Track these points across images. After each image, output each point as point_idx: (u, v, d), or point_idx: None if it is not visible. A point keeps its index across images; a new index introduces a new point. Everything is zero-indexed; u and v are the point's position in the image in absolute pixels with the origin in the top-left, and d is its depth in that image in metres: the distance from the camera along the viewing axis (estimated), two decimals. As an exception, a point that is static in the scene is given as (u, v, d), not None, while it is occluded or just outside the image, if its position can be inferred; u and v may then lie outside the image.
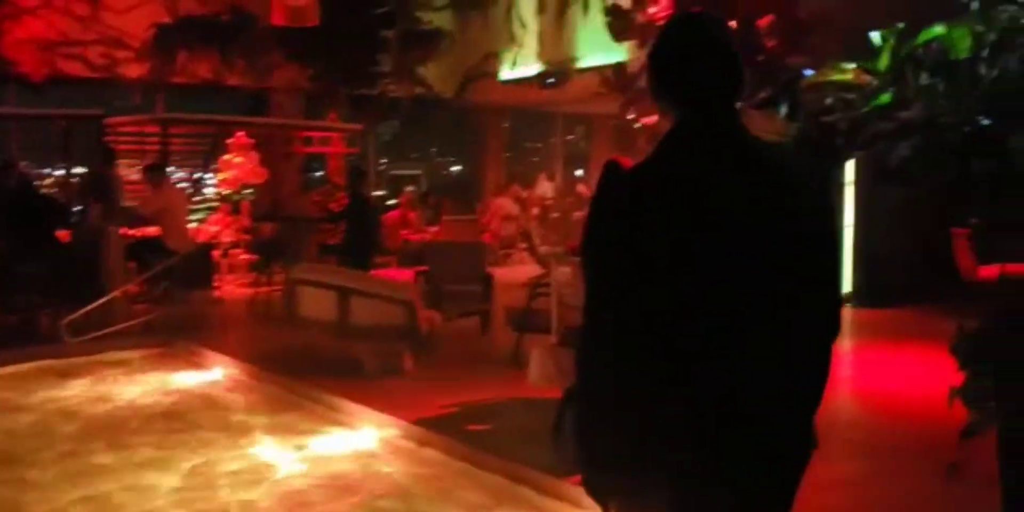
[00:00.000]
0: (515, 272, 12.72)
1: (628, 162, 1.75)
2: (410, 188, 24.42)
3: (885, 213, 9.59)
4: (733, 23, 8.88)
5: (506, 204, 15.17)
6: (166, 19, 12.29)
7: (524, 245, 13.34)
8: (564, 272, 5.16)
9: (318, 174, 16.19)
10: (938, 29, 3.18)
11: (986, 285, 3.22)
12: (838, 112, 3.29)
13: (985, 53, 3.16)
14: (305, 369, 6.95)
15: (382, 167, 32.26)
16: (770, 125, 3.49)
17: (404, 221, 14.46)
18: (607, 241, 1.71)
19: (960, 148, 2.95)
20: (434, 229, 14.30)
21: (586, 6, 10.48)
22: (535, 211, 15.77)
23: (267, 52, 12.96)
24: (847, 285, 9.97)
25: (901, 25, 3.41)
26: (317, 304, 6.88)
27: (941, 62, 3.07)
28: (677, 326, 1.65)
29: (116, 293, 8.81)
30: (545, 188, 17.24)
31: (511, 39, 14.61)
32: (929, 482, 4.19)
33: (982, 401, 3.22)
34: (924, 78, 3.15)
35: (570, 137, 20.60)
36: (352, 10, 13.45)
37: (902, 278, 9.51)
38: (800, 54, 8.43)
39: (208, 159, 13.14)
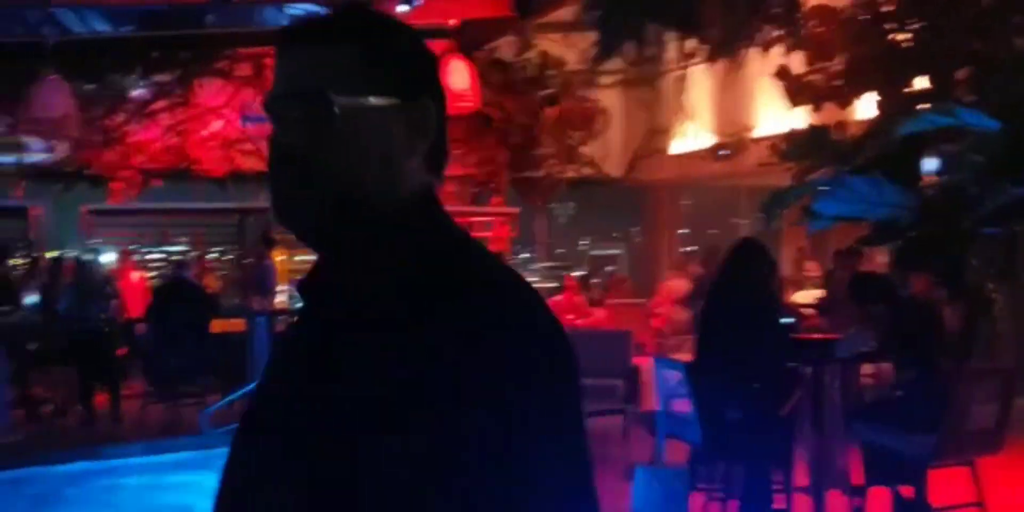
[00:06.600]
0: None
1: None
2: (610, 268, 23.81)
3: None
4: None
5: (682, 285, 14.24)
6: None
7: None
8: (672, 375, 4.42)
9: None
10: None
11: None
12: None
13: None
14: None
15: (582, 247, 32.19)
16: (878, 197, 2.76)
17: (571, 305, 13.92)
18: None
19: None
20: (600, 312, 13.62)
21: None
22: (712, 292, 14.76)
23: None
24: None
25: None
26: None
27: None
28: None
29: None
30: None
31: (682, 111, 14.04)
32: None
33: None
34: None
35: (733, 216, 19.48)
36: (517, 92, 13.35)
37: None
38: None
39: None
